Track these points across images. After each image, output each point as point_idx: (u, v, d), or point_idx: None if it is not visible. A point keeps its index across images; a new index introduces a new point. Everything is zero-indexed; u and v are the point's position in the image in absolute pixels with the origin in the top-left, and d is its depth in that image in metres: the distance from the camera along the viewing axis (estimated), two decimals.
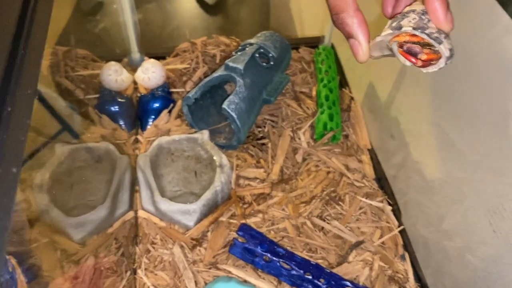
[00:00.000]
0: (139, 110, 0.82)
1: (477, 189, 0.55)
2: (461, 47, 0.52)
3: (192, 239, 0.67)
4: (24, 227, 0.57)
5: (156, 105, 0.81)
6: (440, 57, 0.36)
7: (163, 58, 0.93)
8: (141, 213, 0.69)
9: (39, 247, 0.58)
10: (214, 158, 0.72)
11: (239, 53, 0.80)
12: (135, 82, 0.85)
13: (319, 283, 0.61)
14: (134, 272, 0.64)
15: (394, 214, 0.74)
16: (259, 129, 0.84)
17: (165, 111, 0.81)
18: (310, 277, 0.61)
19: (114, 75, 0.81)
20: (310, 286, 0.61)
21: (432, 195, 0.66)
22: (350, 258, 0.67)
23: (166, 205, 0.66)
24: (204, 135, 0.74)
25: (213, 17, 1.61)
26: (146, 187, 0.70)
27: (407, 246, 0.71)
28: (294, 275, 0.62)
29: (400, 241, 0.71)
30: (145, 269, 0.64)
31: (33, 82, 0.35)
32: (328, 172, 0.78)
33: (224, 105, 0.72)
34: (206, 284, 0.63)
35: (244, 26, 1.61)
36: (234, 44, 0.94)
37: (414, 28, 0.36)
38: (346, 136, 0.84)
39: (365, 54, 0.38)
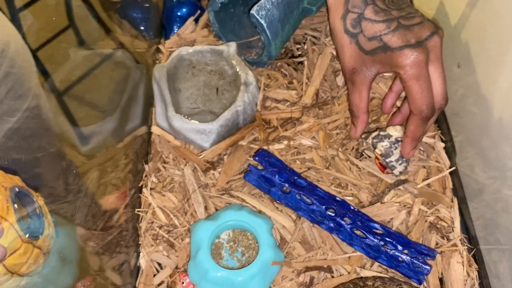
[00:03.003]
0: (163, 17, 0.74)
1: None
2: None
3: (206, 161, 0.60)
4: (33, 134, 0.53)
5: (182, 11, 0.72)
6: None
7: None
8: (154, 129, 0.63)
9: (45, 157, 0.54)
10: (240, 74, 0.63)
11: None
12: None
13: (342, 222, 0.52)
14: (140, 190, 0.59)
15: (447, 153, 0.62)
16: (298, 46, 0.72)
17: (191, 19, 0.72)
18: (332, 214, 0.53)
19: None
20: (331, 224, 0.53)
21: (499, 133, 0.53)
22: (386, 198, 0.58)
23: (179, 122, 0.59)
24: (230, 48, 0.65)
25: None
26: (160, 101, 0.63)
27: (457, 191, 0.59)
28: (314, 211, 0.54)
29: (449, 184, 0.59)
30: (152, 188, 0.59)
31: None
32: (373, 98, 0.66)
33: (253, 11, 0.61)
34: (216, 210, 0.57)
35: None
36: None
37: (381, 155, 0.57)
38: None
39: (355, 137, 0.61)
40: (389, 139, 0.56)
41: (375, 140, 0.57)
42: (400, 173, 0.58)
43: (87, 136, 0.60)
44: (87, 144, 0.59)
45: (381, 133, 0.57)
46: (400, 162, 0.57)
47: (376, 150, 0.57)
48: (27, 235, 0.33)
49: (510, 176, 0.50)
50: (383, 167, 0.58)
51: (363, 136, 0.60)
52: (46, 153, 0.53)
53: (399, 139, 0.56)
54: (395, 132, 0.57)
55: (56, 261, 0.48)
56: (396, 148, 0.56)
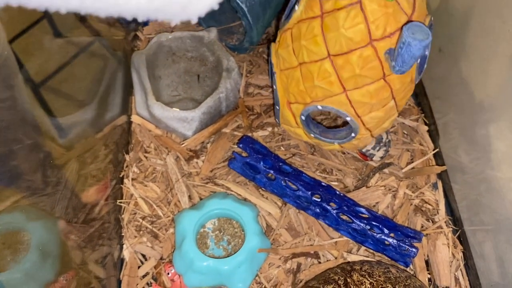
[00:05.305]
0: None
1: None
2: None
3: (189, 150, 0.59)
4: (9, 126, 0.51)
5: None
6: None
7: None
8: (134, 118, 0.61)
9: (22, 149, 0.52)
10: (221, 60, 0.62)
11: None
12: None
13: (328, 207, 0.52)
14: (121, 181, 0.57)
15: (430, 136, 0.62)
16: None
17: None
18: (318, 199, 0.53)
19: None
20: (317, 210, 0.53)
21: (481, 115, 0.53)
22: (371, 182, 0.58)
23: (160, 111, 0.58)
24: (211, 34, 0.64)
25: None
26: (140, 89, 0.61)
27: (441, 173, 0.59)
28: (300, 197, 0.53)
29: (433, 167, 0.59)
30: (134, 179, 0.57)
31: None
32: None
33: None
34: (201, 199, 0.56)
35: None
36: None
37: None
38: None
39: None
40: None
41: None
42: (382, 158, 0.58)
43: (65, 127, 0.58)
44: (65, 135, 0.57)
45: None
46: (377, 148, 0.56)
47: None
48: None
49: (493, 157, 0.51)
50: (365, 156, 0.58)
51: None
52: (22, 145, 0.51)
53: None
54: None
55: (37, 256, 0.46)
56: None
